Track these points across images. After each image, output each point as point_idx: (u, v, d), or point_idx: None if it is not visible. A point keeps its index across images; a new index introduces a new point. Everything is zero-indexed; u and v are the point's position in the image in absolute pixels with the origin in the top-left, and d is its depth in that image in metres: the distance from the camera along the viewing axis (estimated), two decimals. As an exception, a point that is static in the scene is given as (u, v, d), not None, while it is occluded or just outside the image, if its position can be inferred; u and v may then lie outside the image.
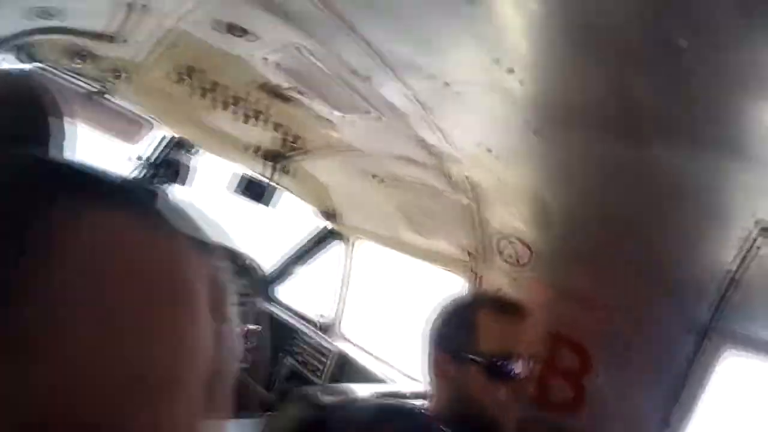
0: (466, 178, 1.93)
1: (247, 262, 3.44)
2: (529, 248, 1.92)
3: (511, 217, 1.93)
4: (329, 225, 3.01)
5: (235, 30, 1.68)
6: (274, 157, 2.67)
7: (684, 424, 1.61)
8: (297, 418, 1.55)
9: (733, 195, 1.37)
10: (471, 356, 1.27)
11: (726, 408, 1.76)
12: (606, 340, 1.80)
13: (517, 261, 1.99)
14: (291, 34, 1.60)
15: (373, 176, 2.37)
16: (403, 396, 1.74)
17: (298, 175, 2.82)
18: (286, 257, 3.40)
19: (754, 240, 1.39)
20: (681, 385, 1.59)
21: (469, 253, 2.23)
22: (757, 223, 1.38)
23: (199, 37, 1.86)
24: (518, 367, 1.27)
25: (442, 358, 1.31)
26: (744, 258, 1.43)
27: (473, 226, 2.10)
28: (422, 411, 1.34)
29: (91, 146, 2.73)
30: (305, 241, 3.26)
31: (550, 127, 1.48)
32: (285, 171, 2.79)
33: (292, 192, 2.96)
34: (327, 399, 1.58)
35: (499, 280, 2.06)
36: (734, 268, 1.45)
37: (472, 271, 2.25)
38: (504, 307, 1.38)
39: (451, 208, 2.14)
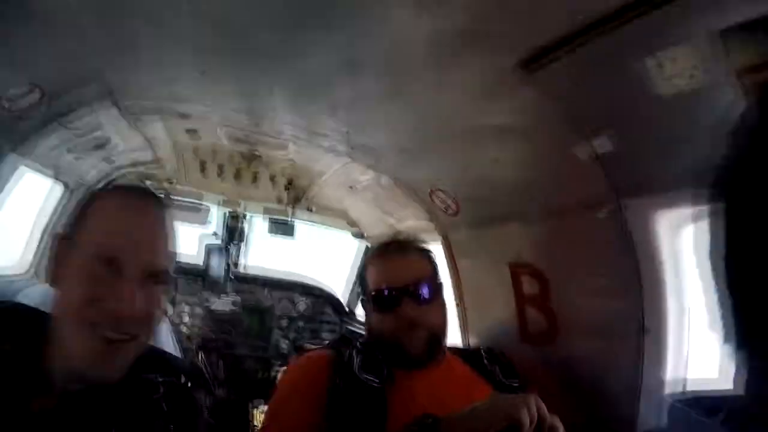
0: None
1: (324, 291, 4.31)
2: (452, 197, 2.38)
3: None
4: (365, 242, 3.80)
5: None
6: (294, 200, 3.56)
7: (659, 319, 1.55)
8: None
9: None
10: (361, 295, 1.57)
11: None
12: (556, 253, 1.90)
13: (453, 210, 2.52)
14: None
15: (350, 188, 3.13)
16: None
17: (319, 209, 3.69)
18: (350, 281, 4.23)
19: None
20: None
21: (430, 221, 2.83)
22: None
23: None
24: (394, 297, 1.40)
25: (360, 300, 1.61)
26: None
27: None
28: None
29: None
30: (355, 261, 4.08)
31: None
32: (308, 209, 3.67)
33: (322, 224, 3.84)
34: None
35: (460, 236, 2.56)
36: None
37: (440, 235, 2.83)
38: (385, 248, 1.56)
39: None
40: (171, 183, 3.49)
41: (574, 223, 1.74)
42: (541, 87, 1.41)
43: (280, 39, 1.40)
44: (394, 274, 1.45)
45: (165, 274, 1.07)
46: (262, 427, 1.42)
